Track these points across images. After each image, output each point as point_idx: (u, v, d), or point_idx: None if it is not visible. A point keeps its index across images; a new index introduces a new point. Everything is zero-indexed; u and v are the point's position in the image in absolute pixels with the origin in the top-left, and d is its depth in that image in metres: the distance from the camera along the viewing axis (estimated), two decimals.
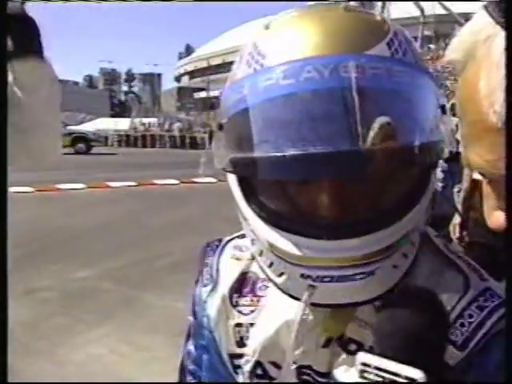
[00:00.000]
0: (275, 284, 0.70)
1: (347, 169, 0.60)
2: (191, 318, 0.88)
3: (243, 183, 0.69)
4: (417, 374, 0.50)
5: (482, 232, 2.39)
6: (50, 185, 10.17)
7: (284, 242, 0.64)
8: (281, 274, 0.68)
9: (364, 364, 0.54)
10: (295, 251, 0.63)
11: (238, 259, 0.75)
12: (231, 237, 0.87)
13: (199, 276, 0.86)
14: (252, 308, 0.79)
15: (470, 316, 0.67)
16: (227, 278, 0.82)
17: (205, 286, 0.84)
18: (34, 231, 6.34)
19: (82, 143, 23.58)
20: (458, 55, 0.48)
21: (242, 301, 0.80)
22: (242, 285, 0.81)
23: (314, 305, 0.67)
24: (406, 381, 0.51)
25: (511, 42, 0.42)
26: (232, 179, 0.70)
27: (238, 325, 0.79)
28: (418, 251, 0.70)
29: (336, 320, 0.71)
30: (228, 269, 0.83)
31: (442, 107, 0.65)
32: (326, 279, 0.63)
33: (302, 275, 0.64)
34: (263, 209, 0.67)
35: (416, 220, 0.65)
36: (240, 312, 0.80)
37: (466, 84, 0.47)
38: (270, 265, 0.69)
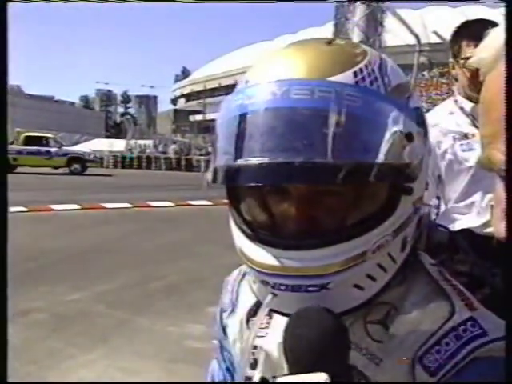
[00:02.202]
0: (254, 293, 0.74)
1: (278, 178, 0.65)
2: (215, 342, 0.92)
3: (229, 192, 0.75)
4: (322, 376, 0.57)
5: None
6: (44, 205, 10.13)
7: (249, 249, 0.70)
8: (255, 282, 0.72)
9: None
10: (257, 258, 0.68)
11: None
12: None
13: (220, 302, 0.90)
14: (267, 330, 0.80)
15: (447, 344, 0.68)
16: (246, 302, 0.85)
17: (225, 310, 0.89)
18: (27, 252, 6.29)
19: (78, 164, 23.63)
20: (487, 54, 0.48)
21: (258, 323, 0.81)
22: (259, 308, 0.82)
23: (276, 312, 0.70)
24: None
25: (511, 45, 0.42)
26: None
27: (254, 347, 0.81)
28: (410, 278, 0.73)
29: None
30: (247, 293, 0.84)
31: (408, 135, 0.66)
32: (282, 287, 0.67)
33: (263, 281, 0.69)
34: (237, 217, 0.74)
35: (376, 241, 0.66)
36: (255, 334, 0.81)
37: (494, 81, 0.48)
38: (249, 273, 0.73)
